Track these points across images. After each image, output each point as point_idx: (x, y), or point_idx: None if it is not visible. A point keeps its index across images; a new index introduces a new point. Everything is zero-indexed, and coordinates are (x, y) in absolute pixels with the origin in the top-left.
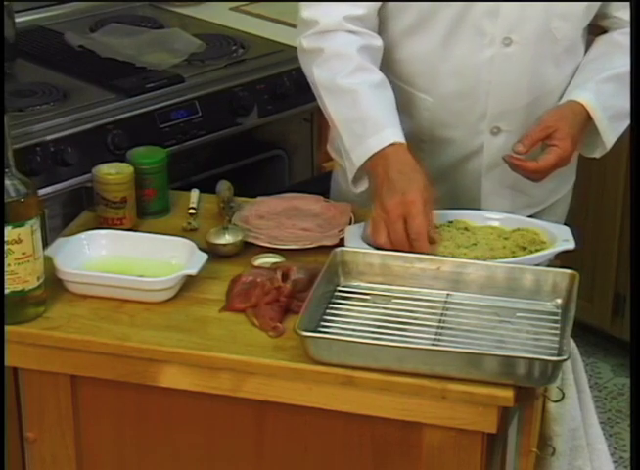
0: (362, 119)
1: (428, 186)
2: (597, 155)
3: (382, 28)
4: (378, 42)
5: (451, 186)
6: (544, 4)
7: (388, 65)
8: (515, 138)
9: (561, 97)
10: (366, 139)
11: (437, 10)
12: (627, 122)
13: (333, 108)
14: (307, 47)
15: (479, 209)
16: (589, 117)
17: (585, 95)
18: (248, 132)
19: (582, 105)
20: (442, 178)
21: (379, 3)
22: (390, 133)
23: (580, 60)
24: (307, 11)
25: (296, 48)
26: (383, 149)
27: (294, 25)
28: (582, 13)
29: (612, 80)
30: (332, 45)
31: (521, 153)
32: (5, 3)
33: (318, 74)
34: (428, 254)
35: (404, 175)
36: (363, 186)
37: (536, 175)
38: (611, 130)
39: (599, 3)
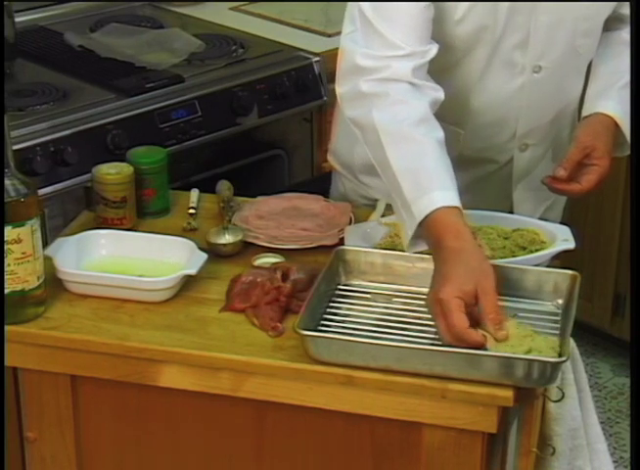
0: (428, 172)
1: (470, 281)
2: (623, 154)
3: None
4: (441, 94)
5: (480, 195)
6: (571, 26)
7: None
8: (540, 149)
9: (579, 101)
10: (432, 191)
11: (471, 50)
12: None
13: (395, 155)
14: (368, 91)
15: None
16: (617, 126)
17: (611, 106)
18: (247, 132)
19: (611, 117)
20: (471, 189)
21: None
22: (455, 196)
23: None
24: (368, 60)
25: (295, 48)
26: (443, 208)
27: (293, 25)
28: (602, 24)
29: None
30: (398, 92)
31: (563, 177)
32: (5, 3)
33: (380, 119)
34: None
35: (447, 264)
36: (420, 247)
37: (579, 196)
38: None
39: (613, 6)
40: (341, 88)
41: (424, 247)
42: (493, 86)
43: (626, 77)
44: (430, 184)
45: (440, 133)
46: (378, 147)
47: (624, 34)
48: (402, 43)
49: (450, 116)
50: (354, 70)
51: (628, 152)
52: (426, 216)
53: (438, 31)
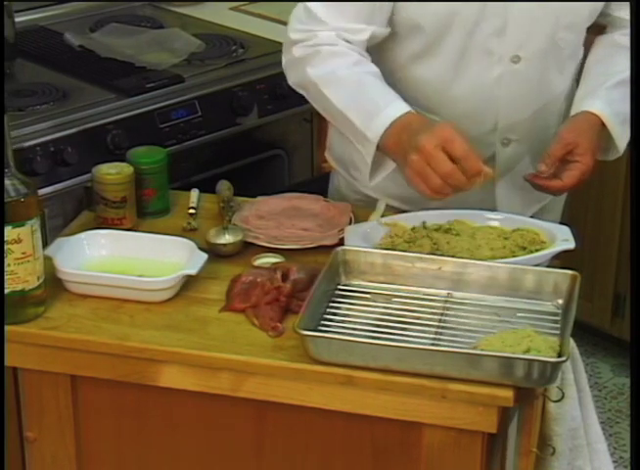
0: (372, 98)
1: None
2: (611, 157)
3: (388, 54)
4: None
5: (464, 193)
6: (552, 18)
7: (395, 87)
8: (524, 145)
9: (565, 100)
10: (382, 110)
11: (445, 35)
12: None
13: (335, 96)
14: (300, 55)
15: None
16: (603, 126)
17: (598, 105)
18: (247, 132)
19: (597, 116)
20: None
21: (382, 31)
22: (405, 105)
23: (580, 60)
24: (297, 34)
25: None
26: (402, 115)
27: None
28: (586, 20)
29: (620, 85)
30: (328, 50)
31: (544, 173)
32: (5, 3)
33: (314, 73)
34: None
35: (429, 124)
36: (384, 172)
37: (560, 192)
38: (624, 135)
39: (601, 6)
40: (282, 62)
41: (383, 174)
42: (470, 74)
43: (616, 78)
44: (376, 108)
45: (376, 69)
46: (321, 97)
47: (616, 37)
48: (328, 20)
49: (427, 103)
50: (288, 43)
51: (617, 156)
52: (383, 132)
53: (406, 9)
